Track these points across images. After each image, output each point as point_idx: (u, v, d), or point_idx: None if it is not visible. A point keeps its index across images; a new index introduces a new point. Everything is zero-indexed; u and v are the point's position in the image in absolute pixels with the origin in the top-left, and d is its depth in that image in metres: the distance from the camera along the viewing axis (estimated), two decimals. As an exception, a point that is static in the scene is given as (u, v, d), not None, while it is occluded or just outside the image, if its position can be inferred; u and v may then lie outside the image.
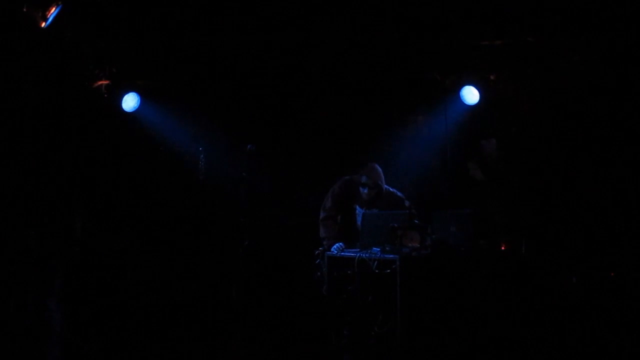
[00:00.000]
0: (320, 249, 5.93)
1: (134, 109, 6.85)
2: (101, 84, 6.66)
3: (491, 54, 6.65)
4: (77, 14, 5.69)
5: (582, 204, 6.23)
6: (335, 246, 5.76)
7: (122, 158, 6.93)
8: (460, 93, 6.96)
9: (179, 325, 6.58)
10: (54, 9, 5.30)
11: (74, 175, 5.92)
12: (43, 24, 5.31)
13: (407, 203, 6.03)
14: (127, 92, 6.80)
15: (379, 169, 6.01)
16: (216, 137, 7.23)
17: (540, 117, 6.71)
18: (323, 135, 7.51)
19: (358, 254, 5.46)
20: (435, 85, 7.14)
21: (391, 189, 6.10)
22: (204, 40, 6.60)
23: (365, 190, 5.92)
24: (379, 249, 5.40)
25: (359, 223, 5.92)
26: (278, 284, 7.11)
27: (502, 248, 5.72)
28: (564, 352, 5.29)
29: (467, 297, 5.25)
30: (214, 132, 7.25)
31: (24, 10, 5.26)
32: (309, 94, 7.39)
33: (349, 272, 5.54)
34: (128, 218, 6.92)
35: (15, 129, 5.56)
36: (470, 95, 6.92)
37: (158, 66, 6.91)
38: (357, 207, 6.05)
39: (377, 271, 5.30)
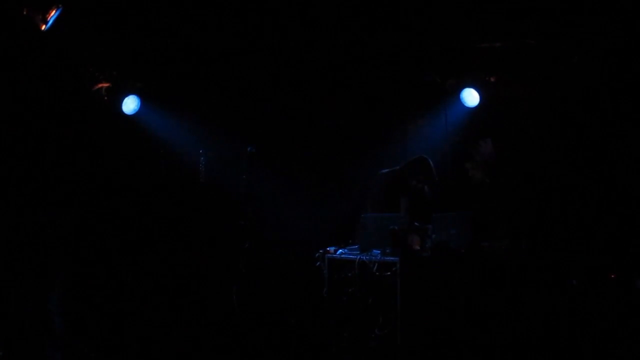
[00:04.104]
0: (321, 251, 5.93)
1: (134, 112, 6.86)
2: (101, 87, 6.66)
3: (491, 56, 6.65)
4: (78, 17, 5.69)
5: (582, 205, 6.23)
6: None
7: (123, 161, 6.93)
8: (460, 95, 6.96)
9: (179, 328, 6.57)
10: (54, 11, 5.30)
11: (74, 178, 5.92)
12: (43, 27, 5.31)
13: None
14: (127, 94, 6.80)
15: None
16: (216, 140, 7.24)
17: (540, 118, 6.71)
18: (323, 137, 7.52)
19: (358, 257, 5.46)
20: (435, 88, 7.14)
21: None
22: (205, 42, 6.61)
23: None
24: (379, 252, 5.40)
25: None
26: (278, 286, 7.11)
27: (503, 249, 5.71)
28: (564, 353, 5.28)
29: (467, 299, 5.25)
30: (214, 135, 7.25)
31: (24, 13, 5.26)
32: (309, 97, 7.39)
33: (349, 274, 5.54)
34: (128, 220, 6.92)
35: (16, 131, 5.56)
36: (470, 97, 6.92)
37: (158, 69, 6.91)
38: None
39: (377, 273, 5.30)
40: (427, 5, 6.07)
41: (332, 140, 7.52)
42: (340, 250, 5.79)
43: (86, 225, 6.05)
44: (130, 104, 6.81)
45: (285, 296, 7.01)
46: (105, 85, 6.66)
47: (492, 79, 6.85)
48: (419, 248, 5.37)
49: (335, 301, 5.67)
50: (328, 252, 5.83)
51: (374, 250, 5.46)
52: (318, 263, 5.91)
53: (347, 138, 7.51)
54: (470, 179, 6.32)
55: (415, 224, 5.64)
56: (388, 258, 5.27)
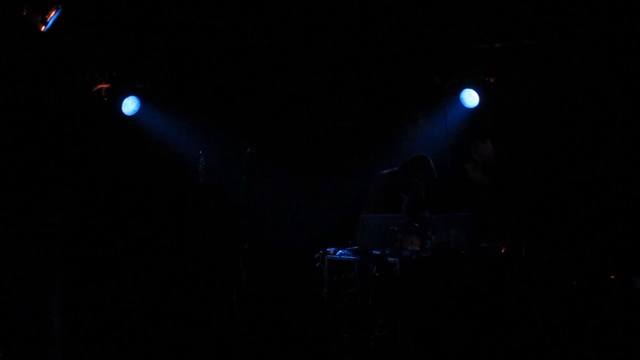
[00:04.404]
0: (321, 251, 5.93)
1: (134, 113, 6.86)
2: (101, 88, 6.66)
3: (491, 56, 6.65)
4: (77, 18, 5.69)
5: (582, 206, 6.23)
6: None
7: (122, 161, 6.93)
8: (460, 96, 6.96)
9: (178, 329, 6.57)
10: (53, 12, 5.30)
11: (74, 178, 5.92)
12: (43, 28, 5.31)
13: None
14: (127, 95, 6.80)
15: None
16: (216, 140, 7.23)
17: (539, 119, 6.71)
18: (323, 138, 7.51)
19: (358, 257, 5.46)
20: (435, 88, 7.14)
21: None
22: (205, 43, 6.61)
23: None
24: (379, 252, 5.40)
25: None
26: (278, 287, 7.11)
27: (502, 251, 5.71)
28: (564, 353, 5.29)
29: (467, 300, 5.25)
30: (214, 135, 7.25)
31: (24, 13, 5.26)
32: (308, 97, 7.39)
33: (349, 275, 5.54)
34: (128, 221, 6.92)
35: (16, 132, 5.56)
36: (470, 98, 6.92)
37: (158, 69, 6.91)
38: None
39: (377, 274, 5.29)
40: (427, 5, 6.06)
41: (331, 141, 7.52)
42: (340, 251, 5.79)
43: (85, 226, 6.05)
44: (130, 105, 6.81)
45: (285, 296, 7.01)
46: (105, 86, 6.66)
47: (492, 80, 6.85)
48: (418, 249, 5.37)
49: (335, 302, 5.67)
50: (328, 252, 5.83)
51: (374, 251, 5.46)
52: (318, 264, 5.91)
53: (347, 138, 7.51)
54: (470, 180, 6.32)
55: (415, 224, 5.65)
56: (388, 259, 5.26)
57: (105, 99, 6.70)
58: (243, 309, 6.47)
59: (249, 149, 6.61)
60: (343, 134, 7.51)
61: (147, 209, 7.08)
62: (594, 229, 6.08)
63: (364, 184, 6.66)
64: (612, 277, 5.71)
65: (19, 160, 5.34)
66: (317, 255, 5.95)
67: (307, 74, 7.16)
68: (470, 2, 6.04)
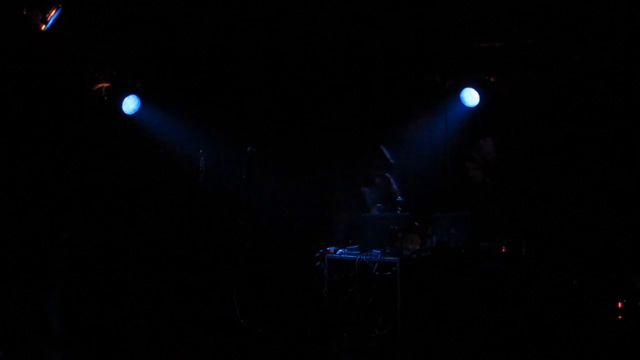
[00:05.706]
0: (321, 251, 5.93)
1: (134, 112, 6.85)
2: (101, 87, 6.66)
3: (491, 56, 6.64)
4: (77, 17, 5.69)
5: (582, 205, 6.23)
6: None
7: (123, 160, 6.92)
8: (461, 95, 6.96)
9: (178, 328, 6.56)
10: (54, 11, 5.30)
11: (74, 177, 5.92)
12: (43, 27, 5.31)
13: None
14: (127, 94, 6.80)
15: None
16: (216, 140, 7.23)
17: (540, 118, 6.71)
18: (323, 137, 7.51)
19: (358, 257, 5.46)
20: (435, 88, 7.13)
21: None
22: (204, 43, 6.61)
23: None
24: (379, 252, 5.40)
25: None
26: (278, 286, 7.10)
27: (503, 250, 5.72)
28: (563, 353, 5.28)
29: (467, 299, 5.25)
30: (214, 135, 7.25)
31: (24, 13, 5.26)
32: (308, 97, 7.38)
33: (349, 274, 5.55)
34: (128, 220, 6.91)
35: (17, 131, 5.57)
36: (471, 97, 6.92)
37: (158, 69, 6.91)
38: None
39: (377, 273, 5.30)
40: (427, 5, 6.06)
41: (333, 141, 7.51)
42: (340, 250, 5.79)
43: (84, 226, 6.05)
44: (130, 104, 6.81)
45: (285, 296, 7.00)
46: (105, 85, 6.66)
47: (492, 79, 6.85)
48: (418, 248, 5.37)
49: (335, 301, 5.67)
50: (328, 252, 5.84)
51: (374, 250, 5.46)
52: (318, 263, 5.91)
53: (348, 138, 7.50)
54: (471, 179, 6.32)
55: (416, 223, 5.65)
56: (388, 258, 5.26)
57: (106, 98, 6.69)
58: (243, 308, 6.47)
59: (249, 149, 6.61)
60: (344, 134, 7.50)
61: (147, 208, 7.07)
62: (594, 228, 6.08)
63: (363, 184, 6.66)
64: (613, 276, 5.71)
65: (18, 160, 5.34)
66: (317, 255, 5.96)
67: (307, 74, 7.15)
68: (470, 2, 6.03)
